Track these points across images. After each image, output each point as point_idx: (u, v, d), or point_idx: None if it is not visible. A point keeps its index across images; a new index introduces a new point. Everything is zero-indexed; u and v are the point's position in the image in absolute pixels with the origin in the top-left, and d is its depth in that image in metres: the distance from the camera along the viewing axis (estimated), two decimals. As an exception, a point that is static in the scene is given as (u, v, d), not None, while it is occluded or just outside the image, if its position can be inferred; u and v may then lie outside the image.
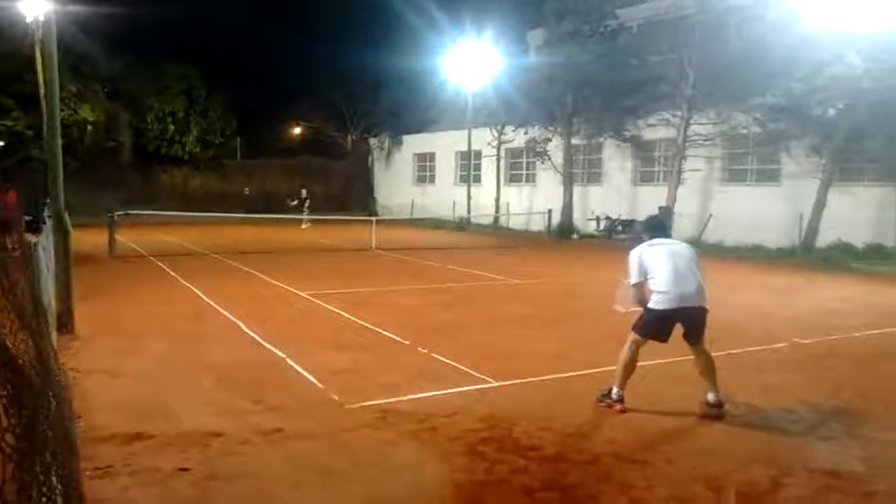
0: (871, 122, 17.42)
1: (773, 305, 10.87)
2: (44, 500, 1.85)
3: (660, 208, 22.05)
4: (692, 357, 5.57)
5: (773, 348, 7.74)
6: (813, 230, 18.49)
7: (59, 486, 2.15)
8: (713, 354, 5.65)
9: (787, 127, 19.16)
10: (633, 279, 5.47)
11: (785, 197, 20.18)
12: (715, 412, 5.33)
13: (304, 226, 26.23)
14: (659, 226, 5.92)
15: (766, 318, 9.66)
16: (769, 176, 21.46)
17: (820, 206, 18.37)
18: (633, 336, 5.51)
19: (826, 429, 5.12)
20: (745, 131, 20.74)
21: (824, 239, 18.39)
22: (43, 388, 2.61)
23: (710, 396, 5.39)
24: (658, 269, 5.36)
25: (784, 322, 9.33)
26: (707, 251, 19.59)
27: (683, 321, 5.39)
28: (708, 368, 5.47)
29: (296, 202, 27.54)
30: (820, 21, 16.86)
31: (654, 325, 5.40)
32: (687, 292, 5.31)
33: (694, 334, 5.46)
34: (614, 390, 5.48)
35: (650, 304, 5.41)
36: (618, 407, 5.41)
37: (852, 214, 18.35)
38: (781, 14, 18.15)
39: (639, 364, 5.55)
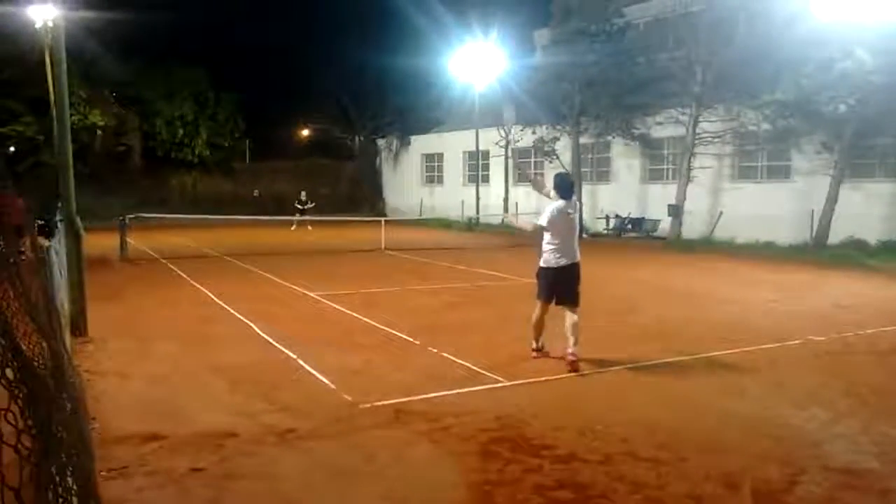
0: (882, 118, 17.28)
1: (786, 303, 10.79)
2: (60, 501, 1.86)
3: (669, 206, 21.99)
4: (700, 355, 5.56)
5: (787, 345, 7.68)
6: (825, 227, 18.35)
7: (75, 487, 2.16)
8: (725, 352, 5.84)
9: (797, 123, 19.03)
10: (542, 222, 6.69)
11: (796, 193, 20.05)
12: (571, 360, 6.51)
13: (306, 227, 26.54)
14: (568, 187, 6.96)
15: (779, 316, 9.60)
16: (780, 173, 21.33)
17: (831, 202, 18.22)
18: (537, 303, 6.89)
19: (841, 426, 5.09)
20: (754, 128, 20.60)
21: (836, 235, 18.25)
22: (58, 389, 2.62)
23: (572, 349, 6.57)
24: (556, 232, 6.67)
25: (797, 319, 9.27)
26: (718, 248, 19.57)
27: (563, 279, 6.71)
28: (573, 328, 6.63)
29: (305, 206, 27.75)
30: (828, 16, 16.74)
31: (544, 286, 6.77)
32: (571, 258, 6.75)
33: (570, 298, 6.73)
34: (534, 342, 6.94)
35: (540, 263, 6.78)
36: (534, 354, 6.91)
37: (864, 211, 18.21)
38: (789, 10, 18.04)
39: (654, 362, 5.65)
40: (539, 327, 6.92)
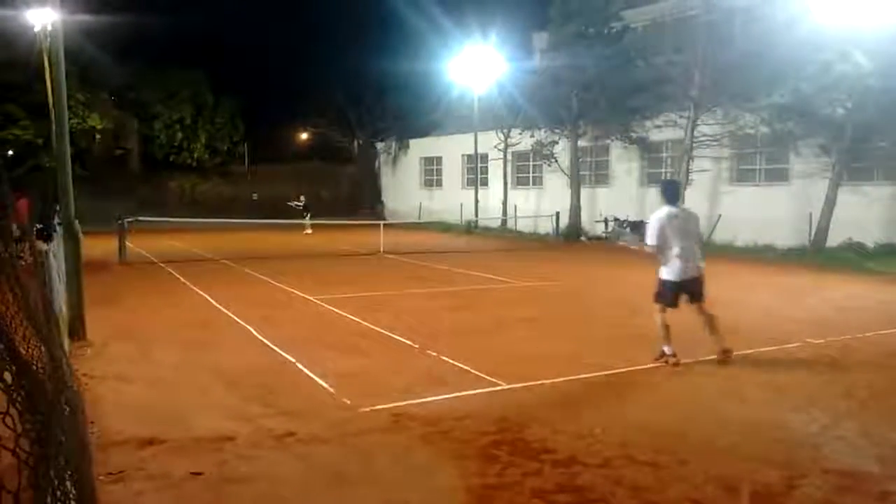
0: (879, 120, 17.31)
1: (785, 306, 10.80)
2: (59, 505, 1.85)
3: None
4: (699, 358, 5.60)
5: (786, 349, 7.69)
6: (823, 230, 18.37)
7: (74, 492, 2.16)
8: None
9: (795, 126, 19.05)
10: (651, 241, 6.63)
11: (794, 196, 20.07)
12: (726, 356, 6.74)
13: (307, 230, 26.47)
14: (674, 193, 6.98)
15: (778, 319, 9.59)
16: (778, 176, 21.35)
17: (830, 205, 18.25)
18: (655, 307, 6.80)
19: (840, 429, 5.08)
20: (752, 131, 20.63)
21: (835, 238, 18.27)
22: (56, 393, 2.62)
23: (716, 344, 6.74)
24: (672, 242, 6.56)
25: (796, 322, 9.27)
26: (717, 252, 19.52)
27: (688, 289, 6.69)
28: (710, 324, 6.76)
29: (300, 205, 27.65)
30: (825, 20, 16.78)
31: (667, 295, 6.70)
32: (691, 265, 6.64)
33: (695, 297, 6.76)
34: (666, 349, 6.70)
35: (662, 275, 6.71)
36: (672, 360, 6.64)
37: (862, 214, 18.23)
38: (786, 13, 18.08)
39: (654, 365, 6.27)
40: (668, 331, 6.73)
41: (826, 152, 18.62)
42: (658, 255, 6.69)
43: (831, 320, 9.47)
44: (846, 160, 18.21)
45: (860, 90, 16.76)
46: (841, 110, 17.65)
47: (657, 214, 6.71)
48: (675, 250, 6.57)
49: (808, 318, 9.59)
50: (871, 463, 4.44)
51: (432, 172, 36.79)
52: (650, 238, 6.62)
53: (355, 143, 42.22)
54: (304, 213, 27.28)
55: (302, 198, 28.25)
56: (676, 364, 6.60)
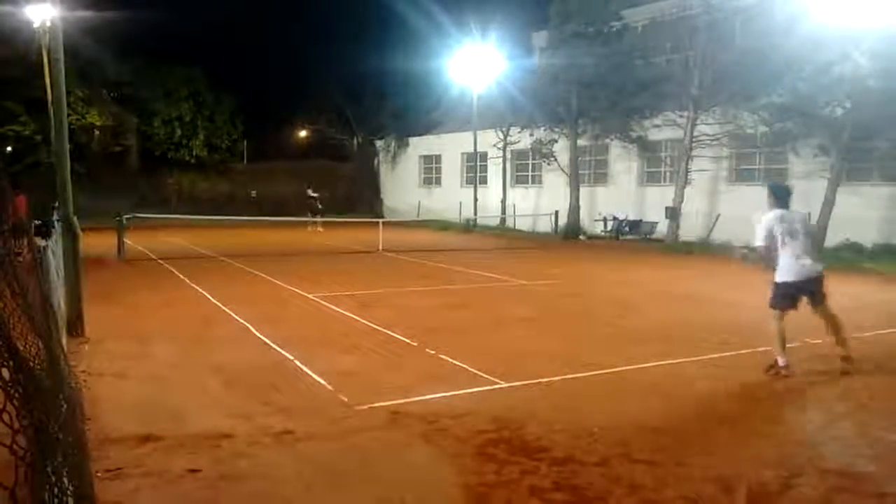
0: (878, 121, 17.32)
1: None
2: (56, 501, 1.86)
3: (667, 209, 22.02)
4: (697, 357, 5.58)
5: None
6: (821, 230, 18.35)
7: (71, 488, 2.16)
8: (724, 354, 6.27)
9: (794, 126, 19.06)
10: (760, 241, 6.47)
11: (793, 196, 20.04)
12: (846, 363, 6.52)
13: (318, 228, 26.31)
14: (786, 196, 6.82)
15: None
16: (777, 175, 21.31)
17: (828, 205, 18.25)
18: (772, 312, 6.56)
19: (837, 429, 5.09)
20: (751, 131, 20.65)
21: (833, 238, 18.29)
22: (54, 390, 2.62)
23: (839, 350, 6.56)
24: (784, 244, 6.43)
25: (794, 322, 9.24)
26: (715, 251, 19.57)
27: (806, 290, 6.49)
28: (833, 327, 6.60)
29: (314, 199, 27.31)
30: (825, 20, 16.79)
31: (784, 298, 6.51)
32: (807, 264, 6.48)
33: (816, 299, 6.59)
34: (780, 360, 6.39)
35: (776, 279, 6.50)
36: (783, 372, 6.34)
37: (861, 214, 18.25)
38: (786, 13, 18.08)
39: (652, 364, 6.04)
40: (784, 341, 6.50)
41: (825, 152, 18.62)
42: (767, 258, 6.52)
43: (829, 320, 9.46)
44: (845, 160, 18.22)
45: (859, 90, 16.77)
46: (840, 110, 17.65)
47: (766, 216, 6.57)
48: (788, 251, 6.44)
49: (807, 318, 9.54)
50: (868, 463, 4.45)
51: (431, 171, 36.78)
52: (759, 239, 6.49)
53: (354, 140, 42.19)
54: (316, 212, 27.05)
55: (309, 190, 27.97)
56: (787, 376, 6.32)
